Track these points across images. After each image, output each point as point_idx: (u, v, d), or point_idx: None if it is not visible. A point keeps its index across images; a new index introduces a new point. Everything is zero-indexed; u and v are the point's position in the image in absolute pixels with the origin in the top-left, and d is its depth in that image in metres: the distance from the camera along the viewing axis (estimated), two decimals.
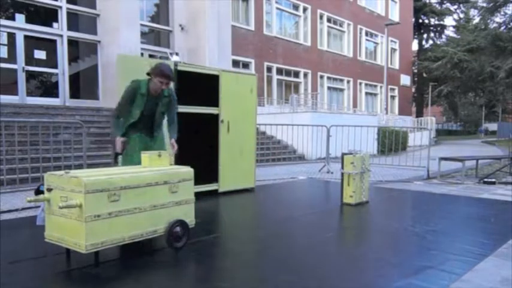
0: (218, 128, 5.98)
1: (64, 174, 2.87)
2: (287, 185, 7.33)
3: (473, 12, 32.07)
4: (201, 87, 5.84)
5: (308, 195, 6.60)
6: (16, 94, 10.37)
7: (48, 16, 11.26)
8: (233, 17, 16.47)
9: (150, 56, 13.63)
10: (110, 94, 11.87)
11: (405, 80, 30.95)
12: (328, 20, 23.40)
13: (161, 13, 14.10)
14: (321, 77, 23.00)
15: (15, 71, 10.41)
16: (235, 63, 16.92)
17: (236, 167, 6.16)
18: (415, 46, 35.91)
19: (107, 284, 2.65)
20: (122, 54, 5.27)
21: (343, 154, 5.39)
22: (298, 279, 2.74)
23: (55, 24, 11.34)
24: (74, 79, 11.98)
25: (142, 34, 12.84)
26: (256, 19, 18.76)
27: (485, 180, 7.66)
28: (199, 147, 6.27)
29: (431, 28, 37.46)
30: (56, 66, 11.25)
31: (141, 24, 12.64)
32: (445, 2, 37.02)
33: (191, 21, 13.98)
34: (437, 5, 36.84)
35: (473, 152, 15.37)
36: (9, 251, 3.31)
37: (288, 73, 21.17)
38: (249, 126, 6.42)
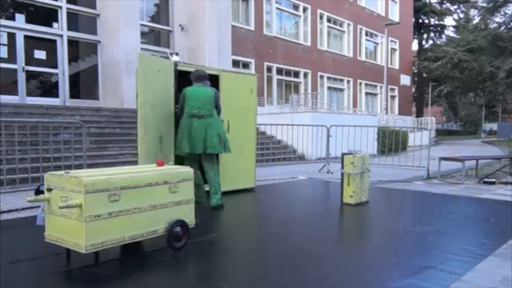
0: None
1: (64, 174, 2.87)
2: (287, 185, 7.33)
3: (473, 12, 32.10)
4: None
5: (308, 195, 6.60)
6: (16, 94, 10.38)
7: (48, 16, 11.26)
8: (233, 17, 16.47)
9: None
10: (110, 94, 11.89)
11: (405, 80, 30.96)
12: (328, 20, 23.41)
13: (161, 13, 14.10)
14: (321, 77, 23.01)
15: (15, 71, 10.41)
16: (235, 63, 16.92)
17: (236, 167, 6.16)
18: (415, 46, 35.93)
19: (107, 284, 2.65)
20: (142, 53, 5.35)
21: (343, 154, 5.38)
22: (298, 279, 2.74)
23: (55, 24, 11.34)
24: (74, 79, 11.99)
25: (142, 34, 12.84)
26: (256, 19, 18.76)
27: (485, 180, 7.66)
28: None
29: (431, 28, 37.48)
30: (56, 66, 11.26)
31: (141, 24, 12.64)
32: (445, 2, 37.03)
33: (191, 21, 13.98)
34: (437, 5, 36.85)
35: (473, 152, 15.38)
36: (9, 251, 3.31)
37: (288, 73, 21.18)
38: (249, 126, 6.42)
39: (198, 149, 4.87)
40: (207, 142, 4.87)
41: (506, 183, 7.50)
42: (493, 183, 7.46)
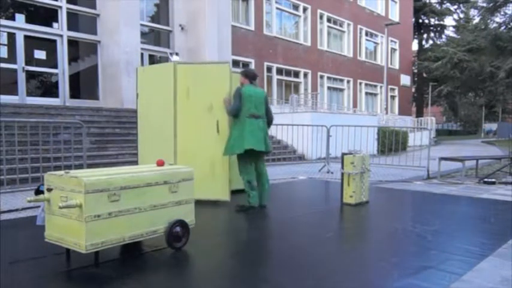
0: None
1: (64, 174, 2.87)
2: (287, 185, 7.33)
3: (473, 12, 32.08)
4: None
5: (308, 195, 6.60)
6: (16, 94, 10.38)
7: (48, 16, 11.26)
8: (233, 17, 16.46)
9: (150, 56, 13.64)
10: (110, 94, 11.89)
11: (405, 80, 30.94)
12: (328, 20, 23.40)
13: (161, 13, 14.10)
14: (321, 77, 23.00)
15: (15, 71, 10.41)
16: (235, 63, 16.92)
17: (236, 167, 6.14)
18: (415, 46, 35.90)
19: (107, 284, 2.65)
20: (141, 67, 5.43)
21: (343, 154, 5.38)
22: (298, 279, 2.74)
23: (55, 24, 11.34)
24: (74, 79, 11.99)
25: (142, 34, 12.85)
26: (256, 19, 18.75)
27: (485, 180, 7.66)
28: None
29: (431, 28, 37.45)
30: (56, 66, 11.26)
31: (141, 24, 12.64)
32: (445, 2, 37.00)
33: (191, 21, 13.98)
34: (437, 5, 36.82)
35: (473, 152, 15.38)
36: (9, 251, 3.31)
37: (288, 73, 21.17)
38: None
39: (260, 147, 5.06)
40: (266, 141, 5.16)
41: (506, 183, 7.50)
42: (493, 183, 7.46)
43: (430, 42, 37.35)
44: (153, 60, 13.71)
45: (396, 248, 3.60)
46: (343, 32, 24.84)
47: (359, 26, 25.64)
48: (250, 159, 5.14)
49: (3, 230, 3.99)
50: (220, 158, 5.56)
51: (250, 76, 5.22)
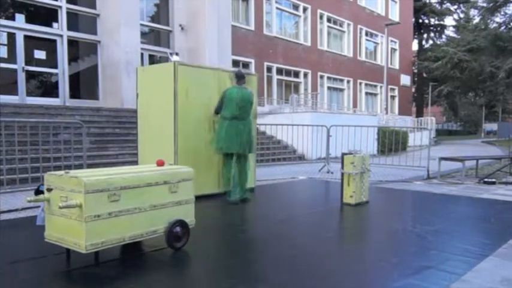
0: None
1: (64, 174, 2.87)
2: (287, 185, 7.33)
3: (473, 12, 32.09)
4: None
5: (308, 195, 6.60)
6: (16, 94, 10.38)
7: (48, 16, 11.26)
8: (233, 17, 16.46)
9: (150, 56, 13.64)
10: (110, 94, 11.89)
11: (405, 80, 30.94)
12: (328, 20, 23.40)
13: (161, 13, 14.10)
14: (321, 77, 23.00)
15: (15, 71, 10.41)
16: (235, 63, 16.91)
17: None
18: (415, 46, 35.91)
19: (107, 284, 2.65)
20: (141, 67, 5.60)
21: (343, 154, 5.38)
22: (298, 279, 2.74)
23: (55, 24, 11.34)
24: (74, 79, 11.99)
25: (142, 34, 12.84)
26: (256, 19, 18.75)
27: (485, 180, 7.66)
28: None
29: (431, 28, 37.46)
30: (56, 66, 11.25)
31: (141, 24, 12.64)
32: (445, 2, 37.00)
33: (191, 21, 13.98)
34: (437, 5, 36.83)
35: (473, 152, 15.37)
36: (9, 251, 3.31)
37: (288, 73, 21.17)
38: None
39: (234, 149, 5.20)
40: (243, 144, 5.24)
41: (506, 183, 7.50)
42: (493, 183, 7.46)
43: (430, 42, 37.39)
44: (153, 60, 13.71)
45: (396, 248, 3.60)
46: (343, 32, 24.84)
47: (359, 26, 25.64)
48: (231, 160, 5.43)
49: (3, 230, 3.99)
50: (218, 156, 5.66)
51: (234, 76, 5.39)
